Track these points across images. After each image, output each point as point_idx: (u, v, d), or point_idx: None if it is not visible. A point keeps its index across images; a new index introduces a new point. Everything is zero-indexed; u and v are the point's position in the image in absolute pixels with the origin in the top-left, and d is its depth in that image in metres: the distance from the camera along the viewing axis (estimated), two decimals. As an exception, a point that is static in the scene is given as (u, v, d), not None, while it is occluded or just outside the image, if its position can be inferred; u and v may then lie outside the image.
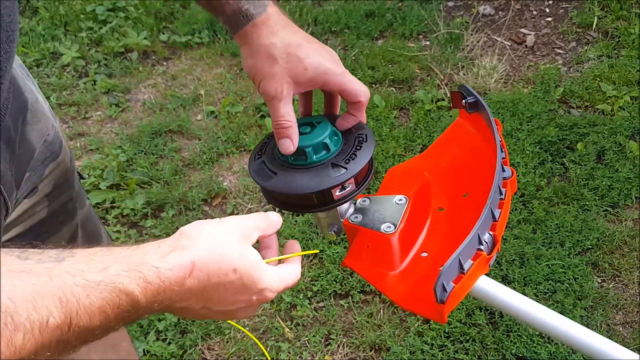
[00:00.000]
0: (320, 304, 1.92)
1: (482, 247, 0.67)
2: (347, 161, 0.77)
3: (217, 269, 0.61)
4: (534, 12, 3.05)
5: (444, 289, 0.63)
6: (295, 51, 0.79)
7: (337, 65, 0.81)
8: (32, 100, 0.89)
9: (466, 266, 0.65)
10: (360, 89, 0.81)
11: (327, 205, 0.78)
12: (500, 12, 3.08)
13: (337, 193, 0.77)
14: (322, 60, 0.80)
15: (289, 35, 0.81)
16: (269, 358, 1.35)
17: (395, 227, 0.78)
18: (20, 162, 0.85)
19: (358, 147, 0.79)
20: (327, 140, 0.78)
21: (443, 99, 2.56)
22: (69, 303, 0.49)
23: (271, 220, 0.72)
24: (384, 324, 1.83)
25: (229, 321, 0.75)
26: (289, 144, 0.78)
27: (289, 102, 0.79)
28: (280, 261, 0.73)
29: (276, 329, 1.85)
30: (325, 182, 0.75)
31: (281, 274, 0.69)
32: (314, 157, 0.78)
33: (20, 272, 0.48)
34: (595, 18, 2.87)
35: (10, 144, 0.80)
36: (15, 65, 0.89)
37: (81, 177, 1.13)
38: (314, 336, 1.82)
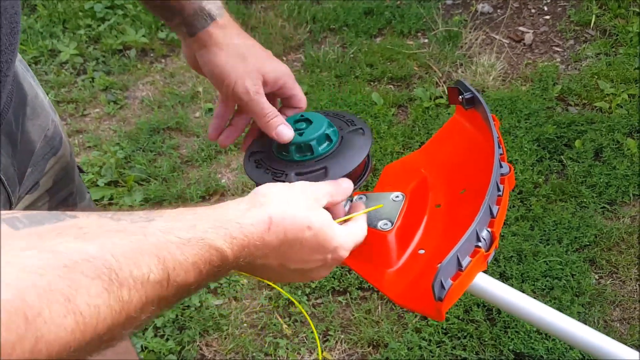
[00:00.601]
0: (319, 301, 1.92)
1: (480, 244, 0.67)
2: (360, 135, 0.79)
3: (292, 225, 0.62)
4: (532, 10, 3.06)
5: (442, 287, 0.63)
6: (261, 52, 0.82)
7: (285, 66, 0.85)
8: (32, 95, 0.90)
9: (464, 263, 0.65)
10: (303, 96, 0.86)
11: (359, 177, 0.79)
12: (498, 10, 3.08)
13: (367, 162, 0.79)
14: (278, 62, 0.84)
15: (247, 38, 0.84)
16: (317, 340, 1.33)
17: (392, 224, 0.78)
18: (23, 157, 0.85)
19: (361, 131, 0.80)
20: (330, 132, 0.78)
21: (441, 97, 2.56)
22: (165, 259, 0.50)
23: (341, 186, 0.73)
24: (381, 320, 1.84)
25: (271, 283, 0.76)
26: (287, 131, 0.78)
27: (264, 97, 0.81)
28: (345, 222, 0.74)
29: (274, 325, 1.86)
30: (362, 153, 0.77)
31: (351, 231, 0.71)
32: (319, 149, 0.77)
33: (117, 231, 0.49)
34: (593, 16, 2.88)
35: (12, 138, 0.81)
36: (18, 62, 0.89)
37: (81, 171, 1.13)
38: (312, 332, 1.83)
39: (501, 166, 0.75)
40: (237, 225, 0.57)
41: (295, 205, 0.63)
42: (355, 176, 0.78)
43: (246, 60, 0.80)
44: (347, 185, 0.74)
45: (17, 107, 0.84)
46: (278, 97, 0.87)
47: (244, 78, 0.79)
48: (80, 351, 0.44)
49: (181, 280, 0.52)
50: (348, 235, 0.70)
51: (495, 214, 0.70)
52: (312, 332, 1.83)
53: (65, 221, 0.47)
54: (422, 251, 0.77)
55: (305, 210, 0.64)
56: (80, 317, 0.43)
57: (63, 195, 1.03)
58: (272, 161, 0.80)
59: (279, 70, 0.83)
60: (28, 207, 0.90)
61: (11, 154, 0.79)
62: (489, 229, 0.68)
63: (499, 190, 0.73)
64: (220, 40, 0.80)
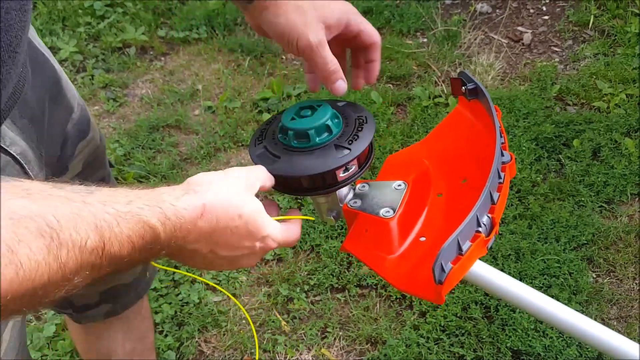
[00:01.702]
0: (317, 298, 1.92)
1: (480, 229, 0.67)
2: (350, 142, 0.77)
3: (225, 214, 0.64)
4: (531, 10, 3.07)
5: (442, 270, 0.64)
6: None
7: (348, 5, 0.83)
8: (55, 79, 0.90)
9: (464, 247, 0.65)
10: (374, 29, 0.83)
11: (331, 187, 0.79)
12: (497, 10, 3.09)
13: (341, 174, 0.78)
14: (340, 2, 0.82)
15: None
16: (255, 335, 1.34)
17: (394, 211, 0.79)
18: (51, 141, 0.86)
19: (359, 129, 0.79)
20: (330, 122, 0.78)
21: (440, 96, 2.57)
22: (102, 229, 0.52)
23: (267, 172, 0.75)
24: (380, 317, 1.84)
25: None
26: (344, 85, 0.81)
27: (328, 47, 0.80)
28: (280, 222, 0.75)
29: (272, 322, 1.86)
30: (331, 163, 0.76)
31: (283, 227, 0.73)
32: (317, 139, 0.78)
33: (59, 196, 0.51)
34: (592, 16, 2.89)
35: (36, 122, 0.81)
36: (38, 43, 0.90)
37: (110, 166, 1.13)
38: (310, 329, 1.83)
39: (502, 154, 0.76)
40: (172, 207, 0.59)
41: (228, 193, 0.65)
42: (361, 161, 0.80)
43: (305, 12, 0.79)
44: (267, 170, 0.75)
45: (40, 91, 0.84)
46: (346, 37, 0.85)
47: (305, 32, 0.79)
48: (15, 302, 0.46)
49: (115, 252, 0.54)
50: (280, 229, 0.72)
51: (496, 201, 0.70)
52: (310, 328, 1.83)
53: (10, 182, 0.49)
54: (423, 238, 0.77)
55: (237, 199, 0.66)
56: (20, 269, 0.45)
57: (95, 179, 1.04)
58: (271, 142, 0.81)
59: (340, 10, 0.82)
60: None
61: (35, 138, 0.79)
62: (489, 215, 0.69)
63: (500, 177, 0.73)
64: None
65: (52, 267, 0.48)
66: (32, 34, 0.88)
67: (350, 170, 0.79)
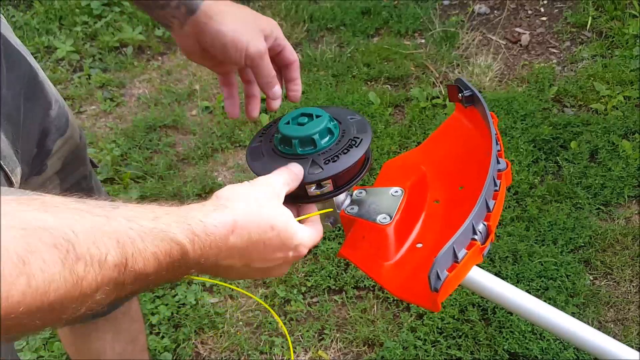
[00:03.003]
0: (314, 299, 1.92)
1: (476, 236, 0.67)
2: (327, 162, 0.76)
3: (257, 227, 0.63)
4: (529, 12, 3.07)
5: (438, 277, 0.64)
6: (250, 11, 0.85)
7: (274, 22, 0.87)
8: (31, 76, 0.89)
9: (460, 255, 0.65)
10: (293, 50, 0.89)
11: (301, 199, 0.78)
12: (495, 11, 3.09)
13: (312, 190, 0.77)
14: (267, 18, 0.86)
15: (238, 4, 0.86)
16: (281, 324, 1.35)
17: (391, 218, 0.79)
18: (27, 138, 0.85)
19: (346, 151, 0.77)
20: (316, 137, 0.77)
21: (438, 97, 2.57)
22: (125, 244, 0.50)
23: (293, 173, 0.75)
24: (377, 319, 1.84)
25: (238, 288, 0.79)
26: (276, 93, 0.86)
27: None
28: (301, 222, 0.75)
29: (270, 323, 1.86)
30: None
31: (310, 230, 0.73)
32: (299, 149, 0.77)
33: (80, 210, 0.49)
34: (590, 18, 2.89)
35: (12, 118, 0.80)
36: (11, 37, 0.89)
37: (93, 165, 1.12)
38: (307, 331, 1.83)
39: (498, 162, 0.76)
40: (201, 223, 0.58)
41: (259, 205, 0.65)
42: (338, 183, 0.78)
43: (248, 22, 0.82)
44: (297, 169, 0.75)
45: (15, 86, 0.83)
46: (273, 52, 0.88)
47: (253, 39, 0.81)
48: (31, 316, 0.44)
49: (139, 268, 0.52)
50: (308, 233, 0.72)
51: (491, 208, 0.70)
52: (307, 330, 1.83)
53: (30, 195, 0.48)
54: (420, 245, 0.77)
55: (268, 210, 0.65)
56: (33, 280, 0.43)
57: (75, 177, 1.03)
58: (268, 151, 0.80)
59: (270, 24, 0.85)
60: (36, 190, 0.91)
61: (11, 134, 0.79)
62: (485, 223, 0.69)
63: (495, 185, 0.73)
64: (221, 8, 0.82)
65: (69, 281, 0.46)
66: (7, 32, 0.87)
67: (324, 189, 0.77)
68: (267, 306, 0.82)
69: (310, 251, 1.97)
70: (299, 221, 0.74)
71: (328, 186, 0.77)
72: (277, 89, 0.86)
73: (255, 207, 0.64)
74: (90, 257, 0.47)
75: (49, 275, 0.44)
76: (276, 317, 0.90)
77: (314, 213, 0.77)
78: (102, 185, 1.14)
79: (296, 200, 0.77)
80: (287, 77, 0.91)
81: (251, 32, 0.81)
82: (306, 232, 0.71)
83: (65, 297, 0.46)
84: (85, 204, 0.51)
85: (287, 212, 0.68)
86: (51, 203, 0.48)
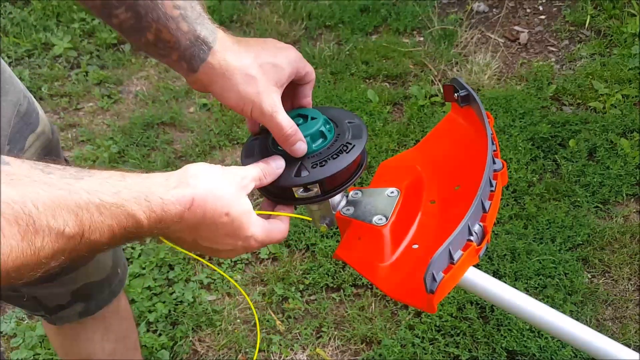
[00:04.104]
0: (312, 297, 1.92)
1: (472, 237, 0.67)
2: (314, 166, 0.76)
3: (213, 210, 0.66)
4: (528, 10, 3.06)
5: (434, 279, 0.63)
6: (265, 54, 0.79)
7: (292, 51, 0.82)
8: None
9: (456, 256, 0.65)
10: (312, 69, 0.85)
11: (288, 200, 0.78)
12: (494, 10, 3.09)
13: (300, 193, 0.77)
14: (285, 53, 0.81)
15: (247, 47, 0.79)
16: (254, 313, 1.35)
17: (386, 219, 0.79)
18: None
19: (335, 156, 0.77)
20: (307, 140, 0.77)
21: (436, 95, 2.57)
22: (83, 218, 0.55)
23: (271, 166, 0.76)
24: (375, 317, 1.84)
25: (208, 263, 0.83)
26: (304, 146, 0.78)
27: (284, 110, 0.79)
28: (270, 216, 0.76)
29: (267, 321, 1.86)
30: (283, 179, 0.76)
31: (268, 227, 0.74)
32: (313, 146, 0.78)
33: (43, 183, 0.53)
34: (588, 17, 2.89)
35: None
36: None
37: (66, 162, 1.12)
38: (305, 329, 1.83)
39: (494, 162, 0.76)
40: (160, 200, 0.61)
41: (221, 189, 0.67)
42: (326, 187, 0.78)
43: (256, 81, 0.77)
44: (278, 164, 0.76)
45: None
46: (294, 80, 0.85)
47: (258, 102, 0.77)
48: None
49: (95, 239, 0.57)
50: (264, 229, 0.73)
51: (487, 209, 0.70)
52: (305, 328, 1.83)
53: None
54: (415, 246, 0.77)
55: (228, 197, 0.67)
56: None
57: None
58: (262, 149, 0.81)
59: (289, 62, 0.80)
60: None
61: None
62: (481, 223, 0.69)
63: (491, 185, 0.73)
64: (223, 70, 0.77)
65: (27, 252, 0.51)
66: None
67: (311, 192, 0.77)
68: (237, 284, 0.84)
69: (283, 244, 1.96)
70: (270, 217, 0.76)
71: (315, 190, 0.77)
72: (298, 147, 0.78)
73: (217, 191, 0.66)
74: (49, 230, 0.52)
75: (8, 246, 0.49)
76: (245, 295, 0.89)
77: (284, 213, 0.77)
78: None
79: (281, 200, 0.78)
80: (302, 94, 0.87)
81: (259, 92, 0.77)
82: (261, 226, 0.72)
83: (22, 265, 0.51)
84: (49, 174, 0.55)
85: (246, 204, 0.70)
86: (16, 174, 0.52)
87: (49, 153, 1.03)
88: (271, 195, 0.80)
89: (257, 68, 0.77)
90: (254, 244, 0.72)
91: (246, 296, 1.01)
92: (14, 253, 0.50)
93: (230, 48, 0.78)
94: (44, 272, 0.54)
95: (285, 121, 0.78)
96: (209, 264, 1.17)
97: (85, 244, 0.56)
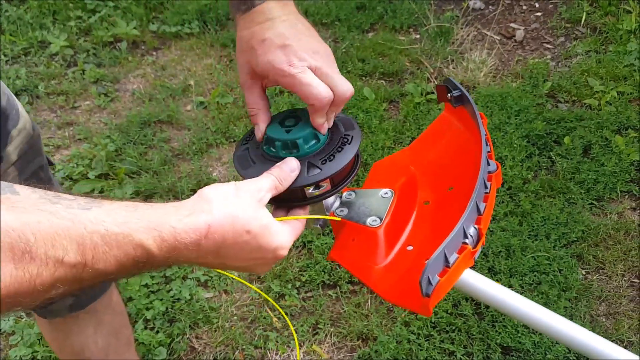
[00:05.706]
0: (309, 294, 1.93)
1: (467, 240, 0.67)
2: (323, 162, 0.76)
3: (232, 231, 0.65)
4: (524, 7, 3.07)
5: (429, 283, 0.64)
6: (256, 45, 0.78)
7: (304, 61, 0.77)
8: None
9: (451, 260, 0.65)
10: (312, 92, 0.76)
11: (300, 201, 0.78)
12: (490, 7, 3.09)
13: (311, 191, 0.77)
14: (279, 58, 0.76)
15: (272, 27, 0.79)
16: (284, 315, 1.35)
17: (380, 220, 0.79)
18: None
19: (340, 149, 0.77)
20: (300, 141, 0.77)
21: (432, 92, 2.57)
22: (85, 247, 0.54)
23: (285, 171, 0.75)
24: (371, 314, 1.85)
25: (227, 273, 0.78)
26: (257, 130, 0.81)
27: (254, 91, 0.81)
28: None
29: (264, 318, 1.87)
30: (297, 181, 0.75)
31: (289, 229, 0.73)
32: (282, 152, 0.77)
33: (48, 212, 0.53)
34: (584, 14, 2.89)
35: None
36: None
37: (50, 164, 1.13)
38: (301, 325, 1.84)
39: (488, 164, 0.76)
40: (172, 229, 0.60)
41: (237, 209, 0.66)
42: (335, 181, 0.78)
43: (243, 52, 0.81)
44: (291, 166, 0.75)
45: None
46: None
47: (240, 68, 0.81)
48: None
49: (100, 268, 0.56)
50: (287, 232, 0.72)
51: (482, 211, 0.70)
52: (302, 325, 1.84)
53: (2, 194, 0.52)
54: (410, 247, 0.77)
55: (246, 215, 0.66)
56: None
57: (32, 168, 1.05)
58: (258, 157, 0.80)
59: (266, 66, 0.79)
60: None
61: None
62: (476, 226, 0.69)
63: (486, 187, 0.74)
64: (246, 26, 0.80)
65: (22, 280, 0.51)
66: None
67: (322, 189, 0.77)
68: (268, 298, 0.83)
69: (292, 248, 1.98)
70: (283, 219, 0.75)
71: (326, 186, 0.77)
72: (255, 130, 0.82)
73: (233, 212, 0.65)
74: (46, 258, 0.52)
75: (2, 274, 0.49)
76: (278, 307, 0.90)
77: (300, 217, 0.77)
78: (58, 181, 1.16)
79: (287, 203, 0.77)
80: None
81: (241, 62, 0.81)
82: (285, 234, 0.72)
83: (17, 292, 0.51)
84: (56, 204, 0.55)
85: (265, 217, 0.68)
86: (21, 202, 0.53)
87: (31, 148, 1.04)
88: (275, 201, 0.78)
89: (247, 44, 0.80)
90: (283, 252, 0.71)
91: (286, 318, 1.01)
92: (7, 279, 0.50)
93: (264, 12, 0.81)
94: (46, 300, 0.54)
95: (249, 99, 0.82)
96: (248, 283, 1.15)
97: (89, 273, 0.55)
